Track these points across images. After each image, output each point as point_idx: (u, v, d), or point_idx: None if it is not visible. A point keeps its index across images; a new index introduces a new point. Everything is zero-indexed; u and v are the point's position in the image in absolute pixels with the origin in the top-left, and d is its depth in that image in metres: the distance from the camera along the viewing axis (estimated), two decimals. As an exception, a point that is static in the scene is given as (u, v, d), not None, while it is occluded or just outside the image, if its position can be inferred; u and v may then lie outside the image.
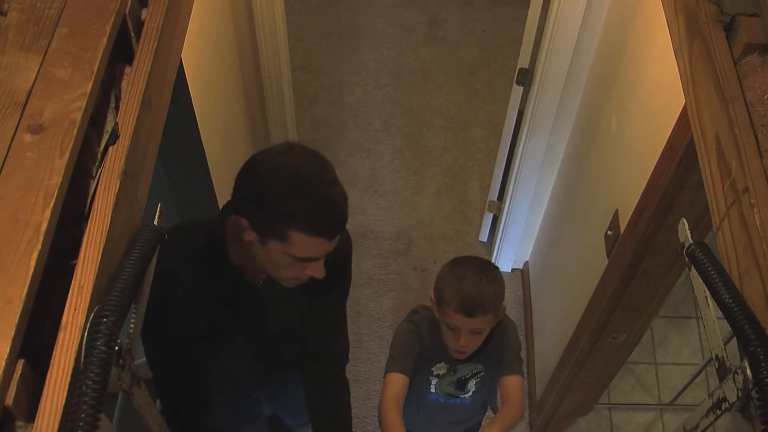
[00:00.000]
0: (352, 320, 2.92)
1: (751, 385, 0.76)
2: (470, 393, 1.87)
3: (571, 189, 2.45)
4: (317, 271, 1.24)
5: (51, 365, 0.71)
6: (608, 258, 1.91)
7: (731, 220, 0.87)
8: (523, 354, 2.62)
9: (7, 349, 0.65)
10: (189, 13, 1.15)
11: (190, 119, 1.80)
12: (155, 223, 0.94)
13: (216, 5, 2.10)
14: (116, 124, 0.87)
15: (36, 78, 0.82)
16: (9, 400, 0.65)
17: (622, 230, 1.82)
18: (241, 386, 1.69)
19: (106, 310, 0.75)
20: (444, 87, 3.72)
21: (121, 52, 0.94)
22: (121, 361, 0.81)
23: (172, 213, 1.81)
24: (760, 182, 0.83)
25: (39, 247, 0.71)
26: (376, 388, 2.77)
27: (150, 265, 0.91)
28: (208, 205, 1.99)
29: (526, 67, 2.39)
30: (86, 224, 0.79)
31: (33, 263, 0.70)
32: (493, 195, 2.99)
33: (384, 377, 1.71)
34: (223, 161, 2.16)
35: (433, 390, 1.86)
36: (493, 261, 3.05)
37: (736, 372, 0.80)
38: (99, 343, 0.73)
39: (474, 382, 1.84)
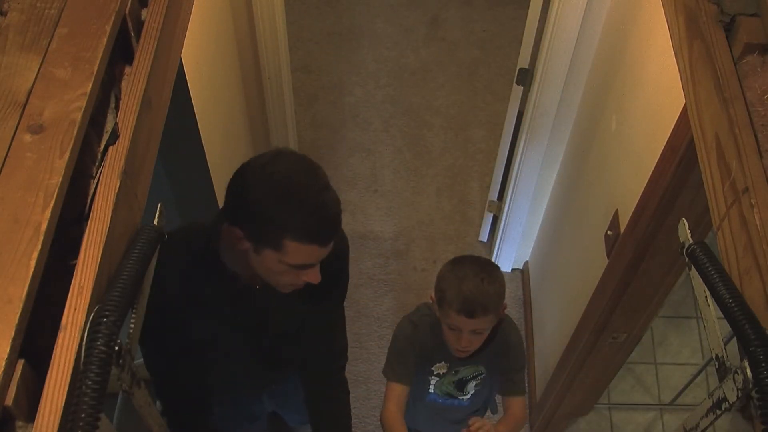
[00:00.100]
0: (352, 320, 2.93)
1: (751, 385, 0.76)
2: (469, 395, 1.87)
3: (571, 189, 2.45)
4: (313, 276, 1.24)
5: (51, 365, 0.71)
6: (608, 258, 1.91)
7: (731, 220, 0.87)
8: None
9: (7, 349, 0.65)
10: (189, 13, 1.15)
11: (190, 119, 1.80)
12: (155, 222, 0.94)
13: (216, 5, 2.10)
14: (116, 124, 0.87)
15: (36, 78, 0.82)
16: (9, 400, 0.65)
17: (622, 230, 1.82)
18: (241, 386, 1.69)
19: (106, 310, 0.75)
20: (444, 87, 3.72)
21: (121, 52, 0.94)
22: (121, 361, 0.81)
23: (172, 213, 1.81)
24: (760, 182, 0.83)
25: (39, 247, 0.71)
26: (376, 388, 2.78)
27: (150, 265, 0.91)
28: (208, 205, 1.99)
29: (526, 67, 2.39)
30: (86, 224, 0.79)
31: (33, 263, 0.70)
32: (493, 195, 2.99)
33: (386, 384, 1.78)
34: (223, 161, 2.16)
35: (432, 390, 1.86)
36: (493, 261, 3.05)
37: (736, 372, 0.80)
38: (99, 343, 0.73)
39: (474, 384, 1.84)
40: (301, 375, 1.65)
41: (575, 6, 2.07)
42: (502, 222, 2.93)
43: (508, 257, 3.09)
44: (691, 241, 0.95)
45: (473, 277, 1.55)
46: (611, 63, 2.05)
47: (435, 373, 1.81)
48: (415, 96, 3.67)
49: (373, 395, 2.77)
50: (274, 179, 1.16)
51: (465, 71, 3.79)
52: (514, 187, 2.74)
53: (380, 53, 3.83)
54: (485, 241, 3.19)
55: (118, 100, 0.90)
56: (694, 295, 2.97)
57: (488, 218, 3.10)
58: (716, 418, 0.88)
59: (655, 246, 1.69)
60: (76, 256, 0.77)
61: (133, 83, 0.91)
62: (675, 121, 1.45)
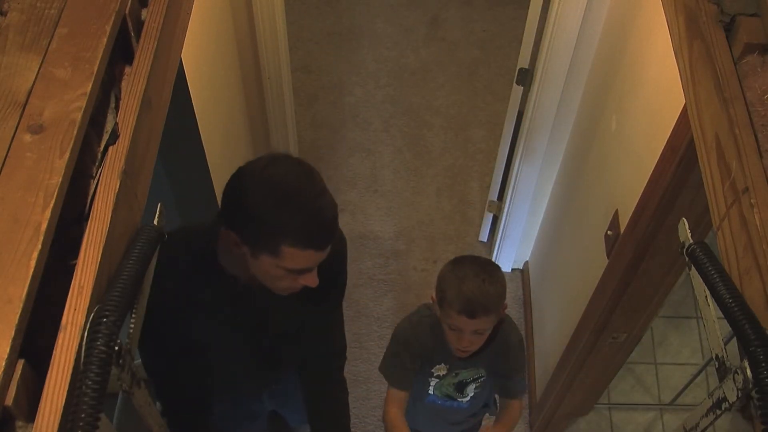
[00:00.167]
0: (352, 320, 2.93)
1: (751, 385, 0.76)
2: (468, 397, 1.87)
3: (571, 189, 2.45)
4: (311, 280, 1.24)
5: (51, 365, 0.70)
6: (608, 258, 1.91)
7: (731, 220, 0.87)
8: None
9: (7, 349, 0.65)
10: (189, 13, 1.15)
11: (190, 119, 1.80)
12: (155, 222, 0.94)
13: (216, 5, 2.10)
14: (116, 124, 0.87)
15: (36, 78, 0.82)
16: (9, 400, 0.65)
17: (622, 230, 1.82)
18: (241, 386, 1.69)
19: (106, 310, 0.75)
20: (444, 87, 3.72)
21: (121, 52, 0.94)
22: (121, 361, 0.81)
23: (172, 213, 1.81)
24: (760, 182, 0.83)
25: (39, 247, 0.71)
26: (376, 388, 2.78)
27: (150, 265, 0.91)
28: (208, 205, 1.99)
29: (526, 67, 2.39)
30: (86, 224, 0.79)
31: (33, 263, 0.70)
32: (493, 195, 2.99)
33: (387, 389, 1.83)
34: (223, 161, 2.16)
35: (431, 392, 1.86)
36: (493, 261, 3.05)
37: (736, 372, 0.80)
38: (99, 343, 0.73)
39: (474, 386, 1.84)
40: (301, 375, 1.65)
41: (575, 6, 2.07)
42: (502, 222, 2.93)
43: (508, 257, 3.09)
44: (691, 241, 0.95)
45: (474, 277, 1.55)
46: (611, 63, 2.05)
47: (435, 374, 1.81)
48: (415, 96, 3.67)
49: (373, 395, 2.77)
50: (270, 185, 1.16)
51: (465, 71, 3.79)
52: (514, 187, 2.74)
53: (380, 53, 3.83)
54: (485, 241, 3.19)
55: (118, 100, 0.90)
56: (694, 295, 2.97)
57: (488, 218, 3.10)
58: (716, 418, 0.88)
59: (655, 246, 1.69)
60: (76, 256, 0.77)
61: (133, 83, 0.91)
62: (675, 121, 1.45)
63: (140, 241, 0.88)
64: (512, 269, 3.15)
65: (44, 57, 0.84)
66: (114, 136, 0.86)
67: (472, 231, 3.24)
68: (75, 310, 0.73)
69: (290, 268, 1.20)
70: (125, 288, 0.80)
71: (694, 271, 0.92)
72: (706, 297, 0.88)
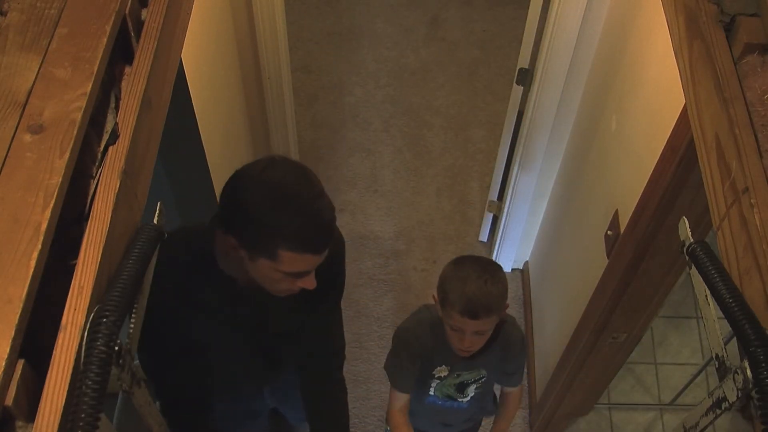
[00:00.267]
0: (352, 320, 2.93)
1: (751, 386, 0.76)
2: (468, 397, 1.87)
3: (571, 189, 2.45)
4: (308, 283, 1.25)
5: (51, 365, 0.71)
6: (608, 258, 1.91)
7: (731, 220, 0.87)
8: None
9: (7, 349, 0.65)
10: (189, 13, 1.15)
11: (190, 119, 1.80)
12: (155, 221, 0.94)
13: (216, 5, 2.10)
14: (116, 124, 0.87)
15: (36, 78, 0.82)
16: (9, 400, 0.65)
17: (622, 230, 1.82)
18: (241, 386, 1.69)
19: (105, 310, 0.75)
20: (444, 87, 3.72)
21: (121, 52, 0.94)
22: (121, 361, 0.81)
23: (172, 213, 1.81)
24: (760, 182, 0.83)
25: (39, 247, 0.71)
26: (376, 388, 2.78)
27: (150, 264, 0.91)
28: (208, 205, 1.99)
29: (526, 67, 2.39)
30: (86, 224, 0.79)
31: (33, 263, 0.70)
32: (493, 195, 2.99)
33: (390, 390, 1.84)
34: (223, 161, 2.16)
35: (432, 392, 1.86)
36: (494, 261, 3.05)
37: (736, 372, 0.80)
38: (99, 343, 0.73)
39: (474, 387, 1.84)
40: (300, 375, 1.65)
41: (575, 6, 2.07)
42: (502, 222, 2.93)
43: (508, 257, 3.09)
44: (692, 240, 0.95)
45: (476, 278, 1.54)
46: (611, 63, 2.05)
47: (436, 376, 1.81)
48: (415, 96, 3.67)
49: (373, 395, 2.77)
50: (268, 189, 1.16)
51: (465, 71, 3.79)
52: (514, 187, 2.74)
53: (380, 53, 3.83)
54: (485, 241, 3.19)
55: (118, 100, 0.90)
56: (694, 295, 2.97)
57: (488, 218, 3.10)
58: (716, 418, 0.88)
59: (655, 246, 1.69)
60: (76, 256, 0.77)
61: (133, 83, 0.91)
62: (675, 121, 1.45)
63: (140, 241, 0.88)
64: (512, 269, 3.15)
65: (44, 57, 0.84)
66: (114, 136, 0.86)
67: (472, 231, 3.24)
68: (75, 310, 0.73)
69: (288, 271, 1.20)
70: (125, 288, 0.80)
71: (694, 270, 0.92)
72: (707, 296, 0.88)
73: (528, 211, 2.86)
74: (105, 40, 0.87)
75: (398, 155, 3.46)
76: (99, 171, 0.83)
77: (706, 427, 0.92)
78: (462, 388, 1.84)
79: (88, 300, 0.74)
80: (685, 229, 0.97)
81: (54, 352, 0.71)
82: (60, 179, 0.75)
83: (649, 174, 1.61)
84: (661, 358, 2.92)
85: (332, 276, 1.44)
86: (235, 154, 2.43)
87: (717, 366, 0.87)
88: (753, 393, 0.76)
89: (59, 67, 0.83)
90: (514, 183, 2.72)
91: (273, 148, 2.85)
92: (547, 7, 2.15)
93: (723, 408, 0.85)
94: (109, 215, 0.80)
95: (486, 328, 1.61)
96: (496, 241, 3.03)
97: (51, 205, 0.74)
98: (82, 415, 0.69)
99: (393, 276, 3.09)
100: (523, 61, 2.38)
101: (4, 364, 0.65)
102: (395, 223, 3.24)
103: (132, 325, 0.89)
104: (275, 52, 2.49)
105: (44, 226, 0.72)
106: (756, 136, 0.88)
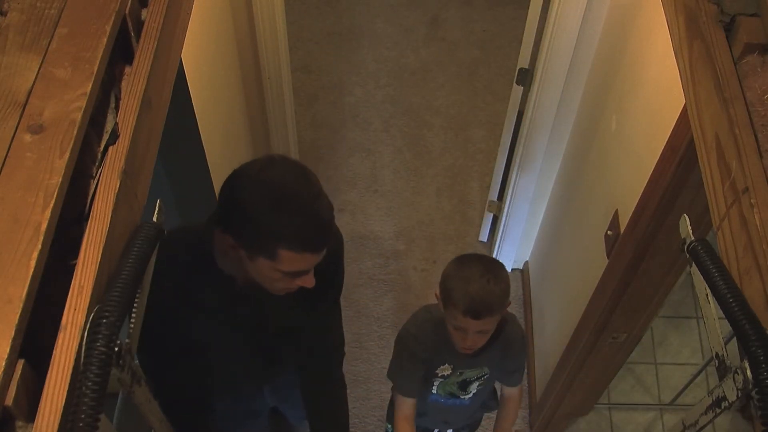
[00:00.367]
0: (352, 320, 2.93)
1: (751, 386, 0.76)
2: (471, 394, 1.88)
3: (571, 189, 2.45)
4: (307, 281, 1.25)
5: (51, 365, 0.71)
6: (608, 258, 1.91)
7: (731, 220, 0.87)
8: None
9: (7, 349, 0.65)
10: (189, 13, 1.15)
11: (190, 119, 1.80)
12: (154, 219, 0.94)
13: (216, 5, 2.10)
14: (116, 124, 0.87)
15: (36, 78, 0.82)
16: (9, 400, 0.65)
17: (622, 230, 1.82)
18: (241, 385, 1.69)
19: (105, 311, 0.75)
20: (444, 87, 3.72)
21: (121, 52, 0.94)
22: (121, 362, 0.81)
23: (172, 213, 1.81)
24: (760, 182, 0.83)
25: (39, 247, 0.71)
26: (376, 388, 2.78)
27: (150, 262, 0.91)
28: (208, 205, 1.98)
29: (526, 67, 2.39)
30: (86, 224, 0.79)
31: (33, 263, 0.70)
32: (493, 195, 2.99)
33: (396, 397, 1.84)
34: (223, 161, 2.16)
35: (434, 391, 1.86)
36: (497, 259, 3.05)
37: (736, 372, 0.80)
38: (99, 344, 0.73)
39: (477, 384, 1.85)
40: (300, 372, 1.65)
41: (575, 6, 2.07)
42: (502, 222, 2.93)
43: (508, 257, 3.09)
44: (693, 238, 0.95)
45: (479, 278, 1.54)
46: (611, 63, 2.05)
47: (439, 375, 1.81)
48: (415, 96, 3.67)
49: (373, 395, 2.77)
50: (266, 189, 1.16)
51: (465, 71, 3.79)
52: (514, 187, 2.74)
53: (380, 53, 3.83)
54: (485, 241, 3.19)
55: (118, 100, 0.90)
56: (694, 294, 2.98)
57: (488, 218, 3.10)
58: (715, 416, 0.88)
59: (655, 246, 1.69)
60: (76, 256, 0.77)
61: (133, 83, 0.91)
62: (675, 121, 1.45)
63: (139, 239, 0.88)
64: (512, 269, 3.15)
65: (44, 57, 0.84)
66: (114, 136, 0.86)
67: (472, 231, 3.24)
68: (75, 310, 0.73)
69: (287, 270, 1.20)
70: (125, 287, 0.80)
71: (694, 269, 0.92)
72: (707, 294, 0.88)
73: (528, 211, 2.86)
74: (105, 40, 0.87)
75: (398, 155, 3.46)
76: (99, 171, 0.83)
77: (705, 426, 0.92)
78: (465, 385, 1.84)
79: (88, 300, 0.74)
80: (686, 226, 0.97)
81: (54, 352, 0.71)
82: (60, 179, 0.75)
83: (649, 174, 1.61)
84: (661, 358, 2.92)
85: (331, 274, 1.44)
86: (235, 154, 2.43)
87: (717, 365, 0.87)
88: (753, 393, 0.76)
89: (59, 67, 0.83)
90: (514, 183, 2.72)
91: (273, 148, 2.85)
92: (547, 7, 2.15)
93: (723, 407, 0.85)
94: (109, 215, 0.80)
95: (489, 327, 1.61)
96: (496, 241, 3.03)
97: (51, 205, 0.74)
98: (82, 416, 0.69)
99: (393, 276, 3.09)
100: (523, 61, 2.38)
101: (4, 364, 0.65)
102: (395, 223, 3.24)
103: (132, 324, 0.89)
104: (275, 52, 2.49)
105: (44, 226, 0.72)
106: (756, 136, 0.88)
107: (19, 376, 0.67)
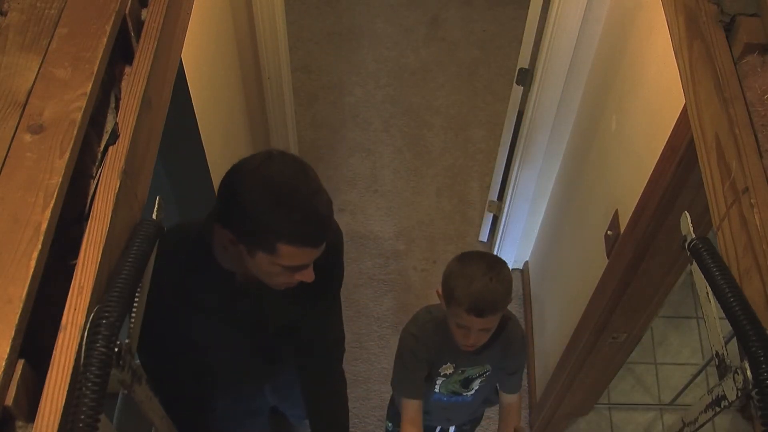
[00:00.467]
0: (352, 320, 2.93)
1: (751, 386, 0.76)
2: (473, 391, 1.88)
3: (571, 189, 2.45)
4: (307, 276, 1.25)
5: (51, 365, 0.71)
6: (608, 258, 1.91)
7: (731, 220, 0.87)
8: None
9: (7, 349, 0.65)
10: (189, 13, 1.15)
11: (190, 119, 1.80)
12: (154, 216, 0.94)
13: (216, 5, 2.10)
14: (116, 124, 0.87)
15: (36, 78, 0.82)
16: (9, 400, 0.65)
17: (622, 230, 1.82)
18: (242, 383, 1.69)
19: (105, 311, 0.75)
20: (444, 87, 3.72)
21: (121, 52, 0.94)
22: (121, 362, 0.81)
23: (172, 213, 1.81)
24: (760, 182, 0.83)
25: (39, 247, 0.71)
26: (376, 388, 2.78)
27: (149, 260, 0.91)
28: (208, 205, 1.97)
29: (526, 67, 2.39)
30: (86, 224, 0.79)
31: (33, 263, 0.70)
32: (493, 195, 2.99)
33: (401, 402, 1.83)
34: (223, 161, 2.15)
35: (437, 390, 1.86)
36: (499, 257, 3.05)
37: (736, 372, 0.80)
38: (99, 344, 0.73)
39: (479, 381, 1.85)
40: (300, 368, 1.65)
41: (575, 6, 2.07)
42: (502, 222, 2.93)
43: (508, 257, 3.09)
44: (693, 236, 0.95)
45: (482, 276, 1.54)
46: (611, 63, 2.05)
47: (441, 374, 1.81)
48: (415, 96, 3.67)
49: (373, 395, 2.77)
50: (265, 184, 1.16)
51: (465, 71, 3.79)
52: (514, 187, 2.74)
53: (380, 53, 3.83)
54: (485, 241, 3.19)
55: (118, 100, 0.90)
56: (694, 295, 2.98)
57: (488, 218, 3.10)
58: (715, 415, 0.88)
59: (655, 246, 1.69)
60: (76, 256, 0.77)
61: (133, 83, 0.91)
62: (675, 121, 1.45)
63: (138, 237, 0.88)
64: (512, 269, 3.15)
65: (44, 57, 0.84)
66: (114, 136, 0.86)
67: (472, 231, 3.24)
68: (75, 310, 0.73)
69: (287, 265, 1.20)
70: (125, 287, 0.80)
71: (695, 266, 0.92)
72: (707, 293, 0.88)
73: (528, 211, 2.86)
74: (105, 40, 0.87)
75: (398, 155, 3.46)
76: (99, 171, 0.83)
77: (704, 424, 0.92)
78: (467, 383, 1.85)
79: (88, 300, 0.74)
80: (687, 224, 0.97)
81: (54, 352, 0.71)
82: (60, 179, 0.75)
83: (649, 174, 1.61)
84: (661, 358, 2.92)
85: (330, 268, 1.45)
86: (235, 154, 2.42)
87: (717, 364, 0.87)
88: (753, 393, 0.76)
89: (59, 67, 0.84)
90: (514, 183, 2.72)
91: (273, 147, 2.85)
92: (547, 7, 2.15)
93: (722, 406, 0.85)
94: (109, 215, 0.80)
95: (492, 325, 1.62)
96: (496, 241, 3.03)
97: (51, 205, 0.74)
98: (82, 416, 0.69)
99: (393, 276, 3.09)
100: (523, 61, 2.38)
101: (4, 364, 0.65)
102: (395, 223, 3.24)
103: (132, 323, 0.89)
104: (275, 52, 2.49)
105: (44, 226, 0.72)
106: (756, 136, 0.88)
107: (19, 376, 0.67)
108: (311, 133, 3.51)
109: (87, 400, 0.70)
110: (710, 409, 0.88)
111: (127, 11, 0.92)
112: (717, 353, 0.88)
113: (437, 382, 1.84)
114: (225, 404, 1.70)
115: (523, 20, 2.29)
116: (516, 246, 3.04)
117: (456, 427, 2.17)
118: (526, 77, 2.41)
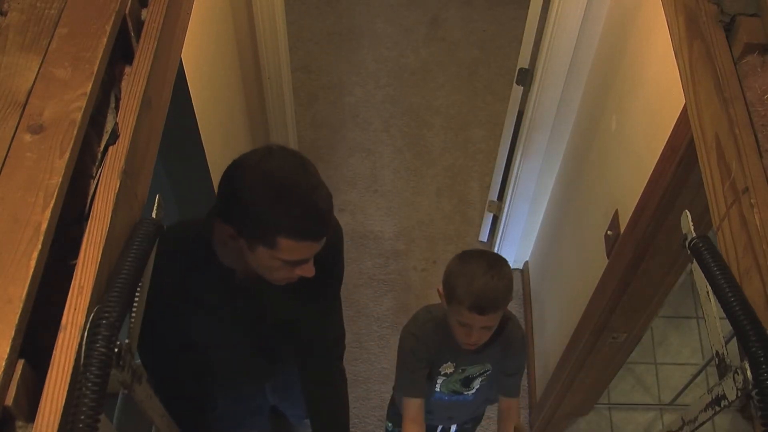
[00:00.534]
0: (352, 320, 2.93)
1: (751, 386, 0.76)
2: (474, 390, 1.88)
3: (571, 189, 2.45)
4: (307, 270, 1.25)
5: (51, 365, 0.71)
6: (608, 258, 1.91)
7: (731, 220, 0.87)
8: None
9: (7, 349, 0.65)
10: (189, 13, 1.15)
11: (190, 119, 1.80)
12: (153, 215, 0.94)
13: (216, 5, 2.10)
14: (116, 124, 0.87)
15: (36, 78, 0.82)
16: (9, 400, 0.65)
17: (622, 230, 1.82)
18: (242, 381, 1.69)
19: (105, 311, 0.75)
20: (444, 87, 3.72)
21: (121, 52, 0.94)
22: (121, 362, 0.81)
23: (172, 213, 1.81)
24: (760, 182, 0.83)
25: (39, 247, 0.71)
26: (376, 388, 2.78)
27: (149, 259, 0.91)
28: (208, 204, 1.97)
29: (526, 67, 2.39)
30: (86, 224, 0.79)
31: (33, 263, 0.70)
32: (493, 195, 2.99)
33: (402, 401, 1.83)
34: (223, 161, 2.14)
35: (438, 389, 1.87)
36: (500, 255, 3.05)
37: (736, 372, 0.80)
38: (99, 344, 0.73)
39: (480, 379, 1.85)
40: (300, 365, 1.65)
41: (575, 6, 2.07)
42: (502, 222, 2.93)
43: (508, 257, 3.07)
44: (694, 234, 0.95)
45: (483, 274, 1.55)
46: (611, 63, 2.05)
47: (442, 373, 1.82)
48: (415, 96, 3.67)
49: (373, 395, 2.77)
50: (265, 179, 1.16)
51: (465, 71, 3.79)
52: (514, 187, 2.74)
53: (380, 53, 3.83)
54: (485, 241, 3.19)
55: (118, 100, 0.90)
56: (694, 295, 2.97)
57: (488, 218, 3.10)
58: (714, 414, 0.88)
59: (655, 246, 1.69)
60: (76, 256, 0.77)
61: (133, 83, 0.91)
62: (675, 121, 1.45)
63: (138, 236, 0.88)
64: (512, 269, 3.14)
65: (44, 57, 0.84)
66: (114, 136, 0.86)
67: (472, 231, 3.24)
68: (75, 310, 0.73)
69: (287, 259, 1.20)
70: (125, 287, 0.80)
71: (695, 265, 0.92)
72: (708, 292, 0.88)
73: (528, 211, 2.86)
74: (105, 40, 0.87)
75: (398, 155, 3.46)
76: (99, 171, 0.83)
77: (704, 423, 0.92)
78: (468, 382, 1.85)
79: (88, 300, 0.74)
80: (687, 222, 0.97)
81: (54, 352, 0.71)
82: (60, 179, 0.75)
83: (649, 174, 1.61)
84: (661, 358, 2.92)
85: (330, 265, 1.45)
86: (235, 153, 2.40)
87: (717, 363, 0.87)
88: (753, 393, 0.76)
89: (59, 67, 0.84)
90: (514, 183, 2.72)
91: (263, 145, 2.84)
92: (547, 7, 2.15)
93: (722, 405, 0.85)
94: (109, 215, 0.80)
95: (493, 323, 1.62)
96: (496, 241, 3.03)
97: (51, 205, 0.74)
98: (82, 416, 0.69)
99: (393, 276, 3.09)
100: (523, 61, 2.38)
101: (4, 364, 0.65)
102: (395, 223, 3.24)
103: (132, 322, 0.89)
104: (275, 52, 2.49)
105: (44, 226, 0.72)
106: (756, 136, 0.88)
107: (19, 376, 0.67)
108: (311, 133, 3.51)
109: (87, 400, 0.70)
110: (710, 409, 0.88)
111: (127, 11, 0.92)
112: (717, 353, 0.88)
113: (438, 382, 1.84)
114: (225, 403, 1.70)
115: (523, 20, 2.29)
116: (516, 246, 3.04)
117: (457, 425, 2.17)
118: (526, 77, 2.41)
